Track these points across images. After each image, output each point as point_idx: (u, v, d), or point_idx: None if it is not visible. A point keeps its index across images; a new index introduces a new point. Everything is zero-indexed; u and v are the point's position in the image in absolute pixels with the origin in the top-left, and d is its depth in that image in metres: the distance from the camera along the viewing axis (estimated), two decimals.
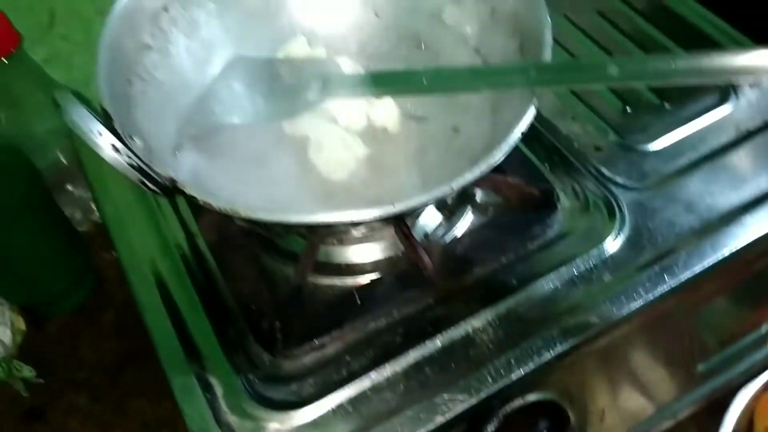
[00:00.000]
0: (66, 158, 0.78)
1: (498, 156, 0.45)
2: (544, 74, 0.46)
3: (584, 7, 0.77)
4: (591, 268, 0.56)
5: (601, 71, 0.43)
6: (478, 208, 0.60)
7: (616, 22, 0.75)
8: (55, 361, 0.74)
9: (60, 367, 0.74)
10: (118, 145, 0.42)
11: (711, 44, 0.72)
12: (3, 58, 0.67)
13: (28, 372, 0.71)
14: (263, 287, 0.56)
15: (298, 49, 0.62)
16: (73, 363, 0.74)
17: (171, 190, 0.45)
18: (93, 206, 0.82)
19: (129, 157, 0.42)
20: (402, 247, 0.56)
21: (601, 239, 0.57)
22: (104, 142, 0.41)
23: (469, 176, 0.44)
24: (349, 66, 0.61)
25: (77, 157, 0.71)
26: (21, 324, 0.75)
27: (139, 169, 0.43)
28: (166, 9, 0.58)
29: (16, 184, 0.66)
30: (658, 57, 0.42)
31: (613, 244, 0.57)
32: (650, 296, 0.53)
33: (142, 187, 0.44)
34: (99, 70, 0.49)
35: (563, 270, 0.55)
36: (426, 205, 0.48)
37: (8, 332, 0.73)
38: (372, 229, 0.55)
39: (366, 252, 0.58)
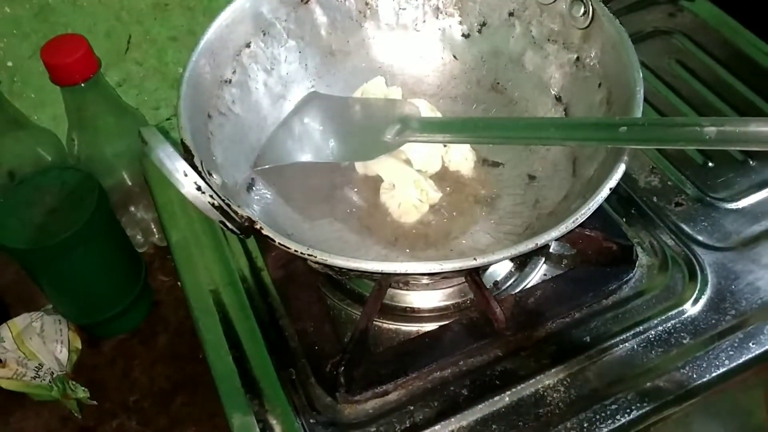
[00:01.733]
0: (131, 180, 0.79)
1: (585, 214, 0.44)
2: (635, 133, 0.44)
3: (662, 55, 0.75)
4: (669, 330, 0.53)
5: (697, 133, 0.41)
6: (551, 259, 0.59)
7: (694, 70, 0.73)
8: (107, 382, 0.74)
9: (112, 388, 0.74)
10: (202, 184, 0.41)
11: None
12: (81, 83, 0.68)
13: (82, 392, 0.71)
14: (328, 328, 0.55)
15: (375, 88, 0.61)
16: (126, 385, 0.74)
17: (248, 229, 0.44)
18: (153, 228, 0.83)
19: (211, 197, 0.42)
20: (471, 294, 0.55)
21: (681, 300, 0.55)
22: (188, 182, 0.41)
23: (555, 234, 0.43)
24: (425, 108, 0.60)
25: (145, 181, 0.71)
26: (77, 342, 0.76)
27: (220, 209, 0.42)
28: (248, 45, 0.58)
29: (86, 205, 0.67)
30: (759, 120, 0.39)
31: (693, 307, 0.54)
32: (732, 364, 0.51)
33: (222, 226, 0.43)
34: (181, 105, 0.49)
35: (640, 330, 0.53)
36: (506, 259, 0.47)
37: (65, 350, 0.73)
38: (443, 276, 0.54)
39: (433, 297, 0.57)
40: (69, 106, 0.71)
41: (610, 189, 0.44)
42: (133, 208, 0.82)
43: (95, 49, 0.69)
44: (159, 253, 0.83)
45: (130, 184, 0.79)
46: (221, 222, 0.43)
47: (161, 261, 0.83)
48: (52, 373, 0.71)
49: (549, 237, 0.42)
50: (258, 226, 0.44)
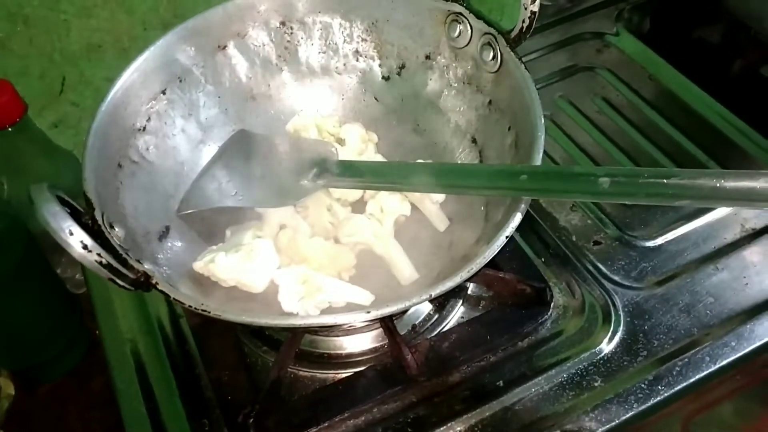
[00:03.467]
0: None
1: (473, 269, 0.44)
2: (535, 182, 0.44)
3: (587, 92, 0.76)
4: (582, 372, 0.54)
5: (592, 184, 0.41)
6: (469, 301, 0.59)
7: (619, 107, 0.74)
8: (41, 429, 0.73)
9: None
10: (89, 243, 0.41)
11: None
12: (8, 127, 0.68)
13: None
14: (243, 376, 0.55)
15: (305, 120, 0.62)
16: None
17: (144, 284, 0.44)
18: None
19: (99, 255, 0.41)
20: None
21: (595, 341, 0.55)
22: (74, 240, 0.40)
23: (448, 284, 0.43)
24: (360, 132, 0.61)
25: None
26: (10, 389, 0.74)
27: (108, 267, 0.42)
28: (163, 92, 0.58)
29: (13, 250, 0.66)
30: (651, 171, 0.39)
31: (607, 347, 0.54)
32: (642, 406, 0.51)
33: (112, 283, 0.43)
34: (86, 158, 0.49)
35: (553, 373, 0.53)
36: (403, 311, 0.47)
37: None
38: (344, 329, 0.54)
39: (350, 343, 0.57)
40: None
41: (506, 237, 0.45)
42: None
43: (28, 91, 0.69)
44: None
45: None
46: (111, 279, 0.42)
47: None
48: None
49: (440, 289, 0.42)
50: (154, 281, 0.44)
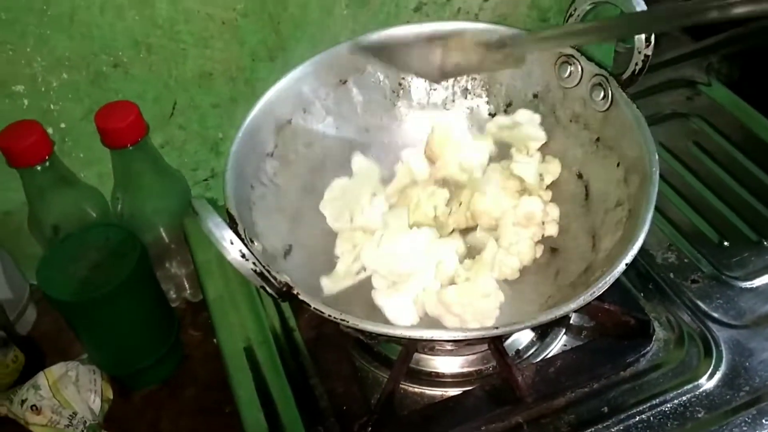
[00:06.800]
0: (168, 237, 0.82)
1: (601, 288, 0.46)
2: None
3: (680, 136, 0.79)
4: (685, 404, 0.55)
5: None
6: (572, 330, 0.61)
7: (711, 152, 0.77)
8: None
9: None
10: (246, 252, 0.45)
11: None
12: (130, 146, 0.72)
13: None
14: (356, 389, 0.58)
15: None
16: None
17: (286, 294, 0.48)
18: (186, 284, 0.86)
19: (254, 264, 0.45)
20: (493, 362, 0.57)
21: (697, 375, 0.57)
22: (234, 249, 0.44)
23: (573, 306, 0.46)
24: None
25: (185, 240, 0.75)
26: (109, 393, 0.78)
27: (261, 275, 0.46)
28: (289, 121, 0.63)
29: (128, 261, 0.70)
30: None
31: (708, 382, 0.56)
32: None
33: (261, 290, 0.47)
34: (227, 178, 0.54)
35: (656, 402, 0.55)
36: (527, 329, 0.50)
37: (98, 400, 0.76)
38: (468, 343, 0.56)
39: (457, 363, 0.59)
40: (117, 166, 0.75)
41: (626, 264, 0.47)
42: (167, 264, 0.85)
43: (143, 114, 0.74)
44: (190, 309, 0.86)
45: (167, 240, 0.82)
46: (262, 287, 0.46)
47: (192, 316, 0.86)
48: (85, 422, 0.73)
49: (567, 309, 0.45)
50: (295, 292, 0.47)
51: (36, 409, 0.73)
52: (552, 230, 0.61)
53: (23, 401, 0.73)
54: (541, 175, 0.63)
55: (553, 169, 0.63)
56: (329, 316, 0.47)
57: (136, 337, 0.76)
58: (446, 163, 0.65)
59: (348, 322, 0.46)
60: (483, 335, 0.46)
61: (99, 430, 0.73)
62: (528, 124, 0.63)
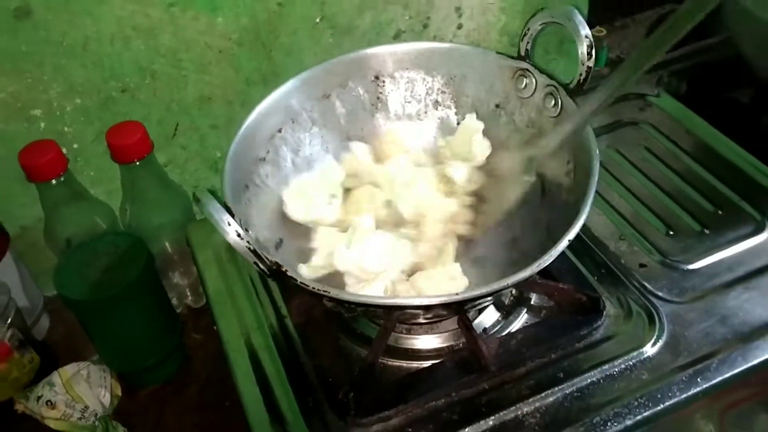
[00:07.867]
0: (171, 248, 0.89)
1: (548, 259, 0.54)
2: None
3: (633, 143, 0.87)
4: (631, 368, 0.62)
5: None
6: (532, 310, 0.69)
7: (661, 157, 0.85)
8: (142, 428, 0.81)
9: None
10: (241, 232, 0.52)
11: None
12: (137, 161, 0.80)
13: (122, 430, 0.79)
14: (340, 364, 0.65)
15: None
16: (158, 431, 0.82)
17: (276, 272, 0.55)
18: (188, 292, 0.92)
19: (248, 242, 0.53)
20: (462, 338, 0.65)
21: (642, 343, 0.64)
22: (231, 230, 0.52)
23: (523, 275, 0.53)
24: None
25: (188, 244, 0.82)
26: (118, 389, 0.83)
27: (255, 253, 0.53)
28: (279, 130, 0.70)
29: (135, 266, 0.76)
30: None
31: (652, 349, 0.63)
32: (683, 395, 0.60)
33: (255, 266, 0.54)
34: (225, 178, 0.61)
35: (606, 368, 0.62)
36: (484, 297, 0.56)
37: (108, 395, 0.81)
38: (438, 318, 0.64)
39: (430, 340, 0.67)
40: (125, 180, 0.81)
41: (569, 240, 0.55)
42: (171, 274, 0.91)
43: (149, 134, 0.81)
44: (192, 314, 0.92)
45: (170, 251, 0.89)
46: (255, 263, 0.53)
47: (194, 321, 0.92)
48: (96, 414, 0.79)
49: (517, 277, 0.53)
50: (284, 269, 0.55)
51: (51, 404, 0.78)
52: (464, 231, 0.69)
53: (39, 397, 0.78)
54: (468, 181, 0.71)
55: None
56: (314, 288, 0.54)
57: (142, 337, 0.82)
58: (389, 166, 0.72)
59: (330, 293, 0.53)
60: (447, 300, 0.52)
61: (109, 420, 0.79)
62: (476, 137, 0.71)
